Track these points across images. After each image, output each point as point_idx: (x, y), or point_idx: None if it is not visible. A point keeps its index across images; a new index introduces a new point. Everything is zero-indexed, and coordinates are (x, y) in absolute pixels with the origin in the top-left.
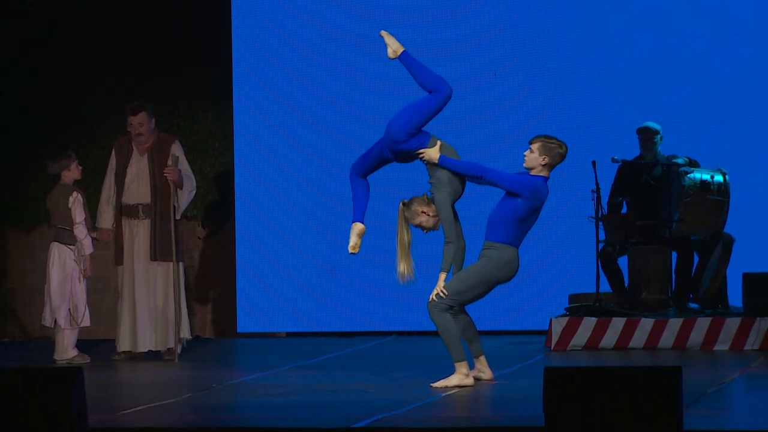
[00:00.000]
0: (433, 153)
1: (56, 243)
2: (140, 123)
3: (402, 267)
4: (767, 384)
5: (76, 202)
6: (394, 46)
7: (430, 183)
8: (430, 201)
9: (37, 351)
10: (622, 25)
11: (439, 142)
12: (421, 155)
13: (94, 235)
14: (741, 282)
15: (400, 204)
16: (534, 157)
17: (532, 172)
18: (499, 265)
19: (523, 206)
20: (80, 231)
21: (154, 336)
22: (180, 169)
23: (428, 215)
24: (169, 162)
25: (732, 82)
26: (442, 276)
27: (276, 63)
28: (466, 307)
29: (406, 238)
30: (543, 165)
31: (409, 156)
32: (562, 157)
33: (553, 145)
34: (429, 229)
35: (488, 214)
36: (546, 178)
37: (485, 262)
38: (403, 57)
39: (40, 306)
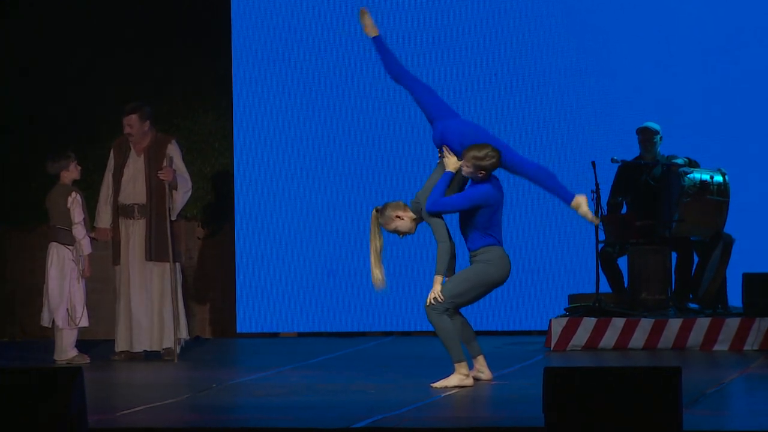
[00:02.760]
0: (452, 163)
1: (55, 243)
2: (130, 125)
3: (377, 273)
4: (767, 384)
5: (74, 203)
6: None
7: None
8: (405, 206)
9: (37, 351)
10: (622, 25)
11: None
12: (444, 154)
13: (92, 235)
14: (741, 282)
15: (373, 211)
16: (471, 173)
17: (477, 182)
18: (492, 265)
19: (487, 212)
20: (79, 231)
21: (150, 336)
22: (175, 169)
23: (402, 219)
24: (164, 163)
25: (732, 82)
26: (438, 278)
27: (276, 63)
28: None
29: (378, 244)
30: (482, 176)
31: (437, 137)
32: (498, 162)
33: (480, 158)
34: (405, 233)
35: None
36: (494, 178)
37: (479, 265)
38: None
39: (40, 306)
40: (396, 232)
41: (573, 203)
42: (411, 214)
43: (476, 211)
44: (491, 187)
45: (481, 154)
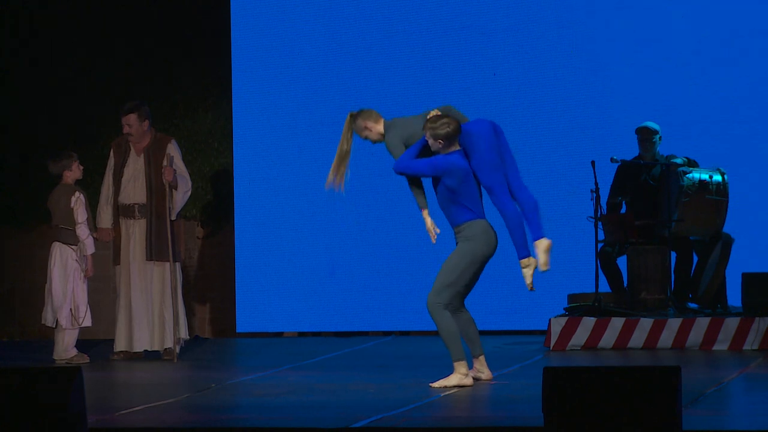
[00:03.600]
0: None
1: (58, 243)
2: (129, 124)
3: (331, 175)
4: (766, 384)
5: (78, 202)
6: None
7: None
8: (377, 117)
9: (37, 351)
10: (621, 25)
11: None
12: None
13: (95, 235)
14: (740, 282)
15: (348, 115)
16: (432, 143)
17: (441, 153)
18: (477, 241)
19: (453, 183)
20: (82, 231)
21: (150, 336)
22: (175, 169)
23: (370, 130)
24: (165, 162)
25: (731, 82)
26: (425, 213)
27: (276, 63)
28: (466, 303)
29: (345, 147)
30: (441, 147)
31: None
32: (453, 131)
33: (436, 128)
34: (375, 141)
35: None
36: (457, 151)
37: (463, 245)
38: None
39: (40, 306)
40: (367, 139)
41: (523, 261)
42: (380, 129)
43: (443, 183)
44: (458, 158)
45: (437, 124)
